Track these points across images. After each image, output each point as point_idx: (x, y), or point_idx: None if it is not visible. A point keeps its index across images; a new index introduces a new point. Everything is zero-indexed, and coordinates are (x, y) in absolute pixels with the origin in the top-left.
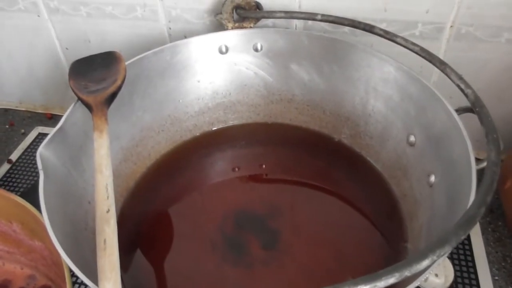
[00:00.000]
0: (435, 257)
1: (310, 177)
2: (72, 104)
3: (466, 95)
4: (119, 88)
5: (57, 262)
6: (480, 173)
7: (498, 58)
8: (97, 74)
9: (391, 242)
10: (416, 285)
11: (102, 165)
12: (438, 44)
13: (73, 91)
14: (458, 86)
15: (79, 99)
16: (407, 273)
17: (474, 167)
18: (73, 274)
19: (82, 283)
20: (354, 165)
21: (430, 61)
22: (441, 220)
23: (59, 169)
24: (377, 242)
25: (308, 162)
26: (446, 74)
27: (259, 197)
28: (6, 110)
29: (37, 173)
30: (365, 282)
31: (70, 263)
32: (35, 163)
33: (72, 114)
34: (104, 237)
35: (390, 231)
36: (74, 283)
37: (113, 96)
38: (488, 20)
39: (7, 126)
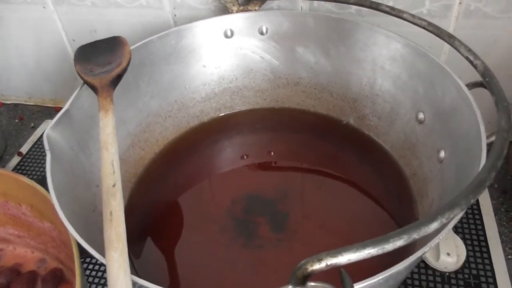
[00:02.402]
0: (444, 220)
1: (319, 161)
2: (78, 88)
3: (475, 66)
4: (125, 70)
5: (66, 242)
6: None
7: (509, 35)
8: (102, 58)
9: (402, 222)
10: (426, 249)
11: (108, 143)
12: (447, 23)
13: (79, 74)
14: (467, 58)
15: (85, 81)
16: (415, 235)
17: (484, 139)
18: (82, 253)
19: (90, 262)
20: (363, 147)
21: (438, 36)
22: (451, 194)
23: (67, 152)
24: (388, 222)
25: (317, 146)
26: (455, 47)
27: (268, 182)
28: (16, 105)
29: None
30: (373, 244)
31: (77, 237)
32: (45, 155)
33: (78, 98)
34: (110, 209)
35: (401, 211)
36: (83, 262)
37: (118, 77)
38: None
39: (16, 120)
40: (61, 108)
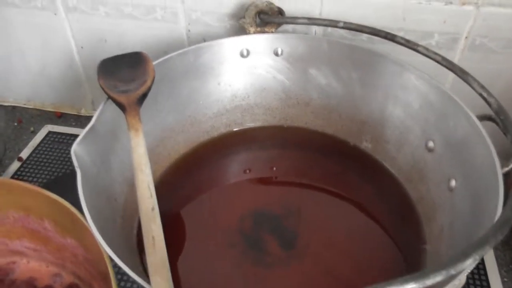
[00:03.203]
0: (477, 257)
1: (325, 180)
2: (102, 103)
3: (489, 104)
4: (150, 88)
5: (91, 260)
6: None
7: (511, 69)
8: (125, 74)
9: (409, 245)
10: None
11: (142, 164)
12: (453, 54)
13: (104, 90)
14: (480, 94)
15: (111, 98)
16: (452, 271)
17: (499, 171)
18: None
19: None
20: (369, 169)
21: (451, 70)
22: (464, 223)
23: (90, 167)
24: (394, 244)
25: (323, 165)
26: (468, 83)
27: (275, 198)
28: (13, 107)
29: (49, 171)
30: (415, 279)
31: (118, 261)
32: (46, 162)
33: (103, 113)
34: (152, 234)
35: (407, 234)
36: None
37: (144, 96)
38: (503, 32)
39: (15, 124)
40: (61, 113)
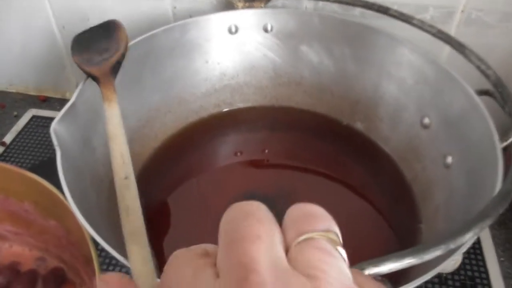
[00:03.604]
0: (477, 230)
1: (316, 161)
2: (83, 80)
3: (487, 76)
4: (123, 55)
5: (74, 242)
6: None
7: (506, 43)
8: (99, 45)
9: (404, 224)
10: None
11: (116, 135)
12: (448, 29)
13: (78, 66)
14: (478, 67)
15: (85, 72)
16: (452, 245)
17: (499, 147)
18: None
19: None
20: (362, 149)
21: (448, 43)
22: (461, 200)
23: (72, 147)
24: (389, 224)
25: (315, 146)
26: (465, 56)
27: (267, 181)
28: None
29: (34, 156)
30: (413, 254)
31: (99, 240)
32: (30, 146)
33: (83, 90)
34: (126, 203)
35: (402, 213)
36: None
37: (118, 64)
38: (498, 6)
39: None
40: (45, 97)
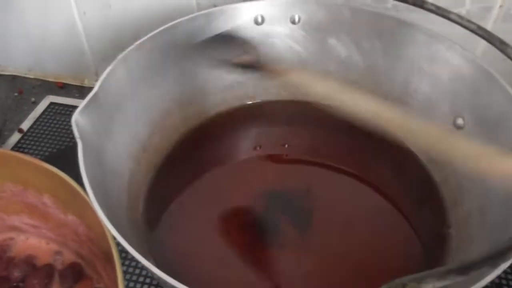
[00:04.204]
0: None
1: (339, 158)
2: (107, 70)
3: None
4: None
5: (93, 238)
6: None
7: None
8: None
9: (429, 228)
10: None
11: None
12: (484, 24)
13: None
14: None
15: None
16: (500, 262)
17: None
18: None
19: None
20: (388, 148)
21: (488, 41)
22: (497, 206)
23: (92, 139)
24: (412, 227)
25: (338, 143)
26: (507, 55)
27: (288, 178)
28: (14, 77)
29: (51, 144)
30: (458, 271)
31: (120, 238)
32: (48, 134)
33: (106, 80)
34: None
35: (427, 216)
36: None
37: None
38: None
39: (16, 94)
40: (63, 84)
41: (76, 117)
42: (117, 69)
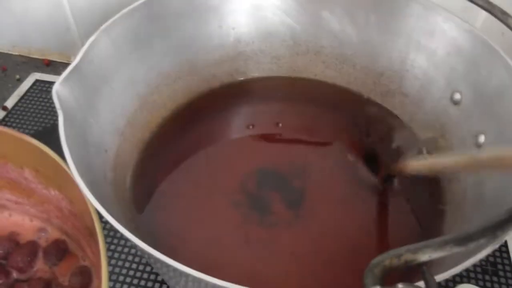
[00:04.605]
0: None
1: (334, 137)
2: (89, 41)
3: None
4: None
5: (77, 213)
6: None
7: None
8: None
9: (424, 205)
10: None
11: None
12: None
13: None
14: None
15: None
16: (499, 232)
17: None
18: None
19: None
20: (384, 124)
21: (488, 11)
22: (493, 182)
23: (75, 112)
24: (408, 203)
25: (333, 121)
26: (508, 26)
27: (281, 156)
28: None
29: (37, 121)
30: (456, 241)
31: (103, 212)
32: (33, 111)
33: (88, 52)
34: None
35: (423, 193)
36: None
37: None
38: None
39: None
40: (49, 61)
41: (57, 87)
42: (101, 40)
